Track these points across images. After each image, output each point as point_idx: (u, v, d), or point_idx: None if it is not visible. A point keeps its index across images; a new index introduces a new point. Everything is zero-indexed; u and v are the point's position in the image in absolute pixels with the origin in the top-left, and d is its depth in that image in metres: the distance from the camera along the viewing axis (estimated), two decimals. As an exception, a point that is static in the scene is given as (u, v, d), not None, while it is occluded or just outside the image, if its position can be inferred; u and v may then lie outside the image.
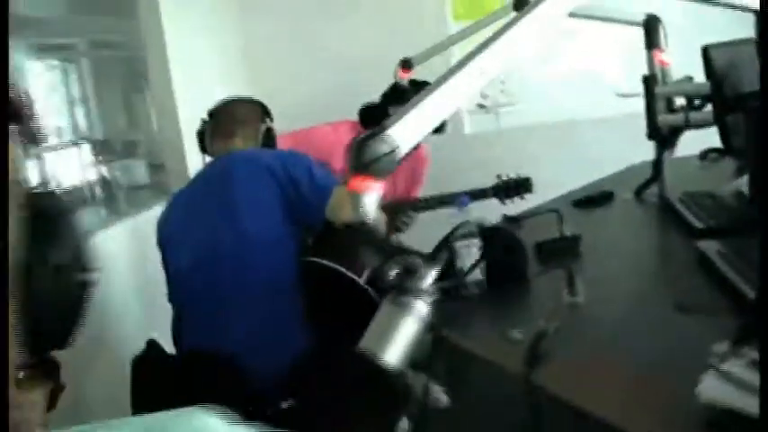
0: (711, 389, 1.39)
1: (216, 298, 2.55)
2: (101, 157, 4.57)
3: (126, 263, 3.37)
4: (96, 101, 4.75)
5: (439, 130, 1.61)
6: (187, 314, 2.62)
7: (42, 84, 4.50)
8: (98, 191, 4.45)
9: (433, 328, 1.12)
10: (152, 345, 2.53)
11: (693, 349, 1.49)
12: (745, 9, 1.57)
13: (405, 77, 3.01)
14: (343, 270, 2.57)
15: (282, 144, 3.15)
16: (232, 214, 2.56)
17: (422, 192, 3.57)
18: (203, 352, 2.49)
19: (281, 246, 2.55)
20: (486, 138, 4.85)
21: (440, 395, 1.91)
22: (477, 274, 2.27)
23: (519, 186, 3.20)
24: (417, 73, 3.05)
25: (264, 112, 2.84)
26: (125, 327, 3.23)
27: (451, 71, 1.22)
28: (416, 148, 3.33)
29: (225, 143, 2.76)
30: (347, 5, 4.62)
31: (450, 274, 2.30)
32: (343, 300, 2.60)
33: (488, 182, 3.21)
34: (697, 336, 1.67)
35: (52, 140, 4.21)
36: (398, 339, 1.09)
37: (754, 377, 1.34)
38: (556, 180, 3.24)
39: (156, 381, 2.50)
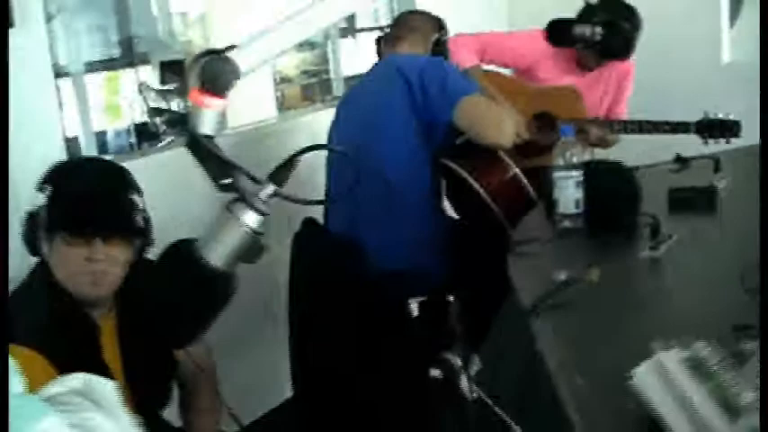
0: (643, 376, 1.30)
1: (348, 190, 2.69)
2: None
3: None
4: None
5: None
6: (331, 194, 2.80)
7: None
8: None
9: (258, 239, 1.19)
10: (309, 222, 2.75)
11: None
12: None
13: (594, -2, 2.86)
14: (470, 179, 2.59)
15: (484, 45, 3.16)
16: (366, 114, 2.72)
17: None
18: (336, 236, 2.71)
19: (408, 143, 2.64)
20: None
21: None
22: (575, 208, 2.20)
23: (724, 129, 2.94)
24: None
25: (439, 25, 2.90)
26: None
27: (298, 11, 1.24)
28: (626, 59, 3.21)
29: (391, 48, 2.88)
30: None
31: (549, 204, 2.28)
32: (464, 206, 2.65)
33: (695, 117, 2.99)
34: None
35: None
36: (222, 242, 1.17)
37: (685, 381, 1.23)
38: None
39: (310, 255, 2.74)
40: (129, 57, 6.07)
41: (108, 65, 6.07)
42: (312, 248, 2.70)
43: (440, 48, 2.83)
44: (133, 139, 6.37)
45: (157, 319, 1.29)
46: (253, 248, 1.20)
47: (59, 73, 5.76)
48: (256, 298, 2.83)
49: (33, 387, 1.59)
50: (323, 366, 2.69)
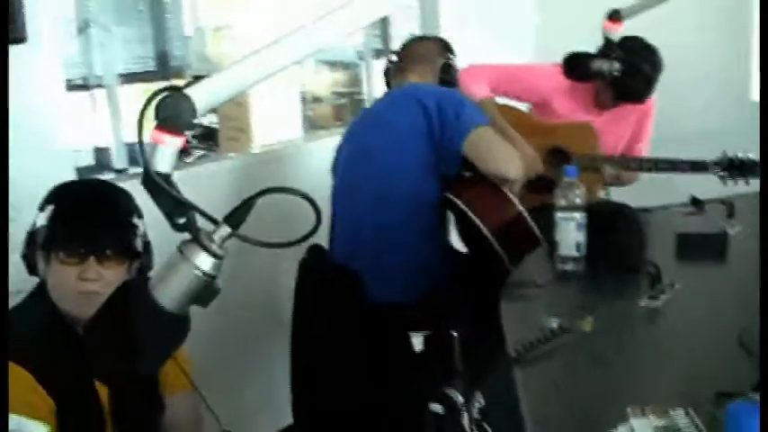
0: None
1: (355, 213, 2.69)
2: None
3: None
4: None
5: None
6: (335, 222, 2.78)
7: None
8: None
9: (212, 282, 1.14)
10: (313, 249, 2.72)
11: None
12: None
13: (612, 30, 2.76)
14: (470, 214, 2.54)
15: (498, 77, 3.11)
16: (378, 139, 2.68)
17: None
18: (336, 262, 2.69)
19: (418, 171, 2.60)
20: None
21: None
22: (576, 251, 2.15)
23: (744, 168, 2.85)
24: (627, 29, 2.79)
25: (445, 48, 2.85)
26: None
27: (265, 47, 1.20)
28: (644, 101, 3.13)
29: (401, 79, 2.85)
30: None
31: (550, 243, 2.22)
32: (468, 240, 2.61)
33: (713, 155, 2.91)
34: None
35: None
36: (171, 282, 1.13)
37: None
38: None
39: (312, 283, 2.71)
40: (163, 70, 6.11)
41: (143, 77, 6.10)
42: (314, 278, 2.68)
43: (448, 72, 2.79)
44: (164, 152, 6.43)
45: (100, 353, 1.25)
46: (205, 292, 1.16)
47: (93, 84, 5.85)
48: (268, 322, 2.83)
49: (14, 404, 1.61)
50: (322, 397, 2.66)
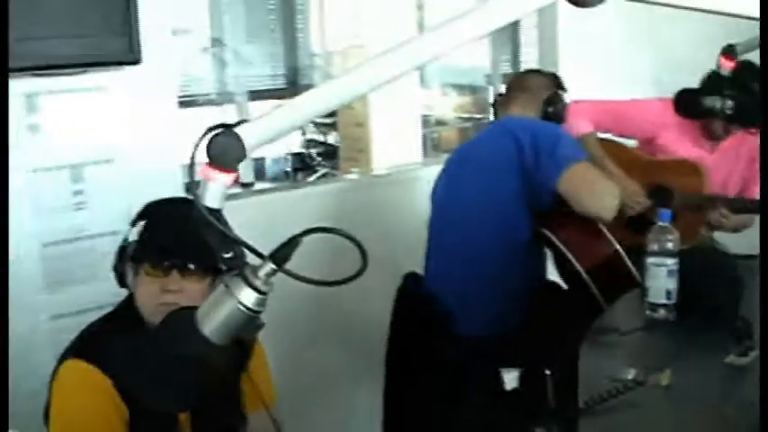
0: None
1: (447, 244, 2.69)
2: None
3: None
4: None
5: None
6: (430, 251, 2.79)
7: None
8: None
9: (255, 316, 1.16)
10: (409, 277, 2.73)
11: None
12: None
13: (727, 66, 2.63)
14: (568, 254, 2.47)
15: (601, 113, 3.04)
16: (470, 171, 2.67)
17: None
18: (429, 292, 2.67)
19: (509, 204, 2.57)
20: None
21: None
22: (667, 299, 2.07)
23: None
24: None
25: (554, 82, 2.80)
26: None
27: (321, 89, 1.20)
28: (758, 125, 2.96)
29: (506, 110, 2.82)
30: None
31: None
32: (566, 278, 2.54)
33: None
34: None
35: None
36: (216, 316, 1.16)
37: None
38: None
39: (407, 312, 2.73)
40: (293, 88, 6.27)
41: (274, 94, 6.28)
42: (408, 306, 2.68)
43: (554, 105, 2.74)
44: (289, 168, 6.61)
45: (146, 381, 1.28)
46: (248, 326, 1.18)
47: (224, 100, 6.06)
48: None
49: (86, 405, 1.69)
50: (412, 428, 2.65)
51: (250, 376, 1.95)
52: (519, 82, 2.88)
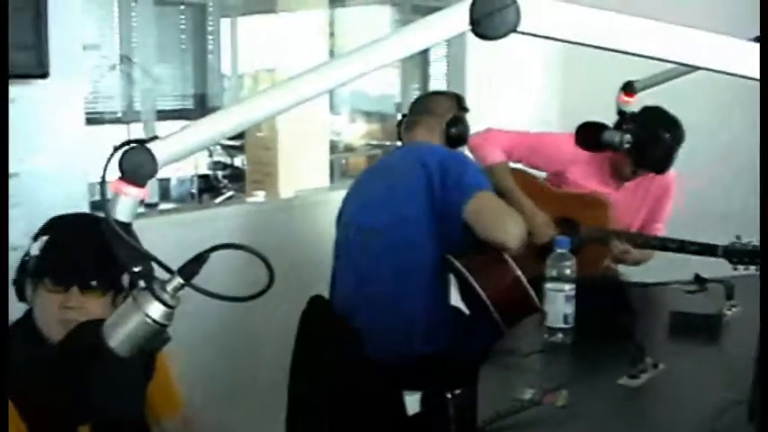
0: None
1: (355, 267, 2.72)
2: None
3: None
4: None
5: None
6: (336, 273, 2.82)
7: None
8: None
9: (162, 330, 1.17)
10: (314, 300, 2.74)
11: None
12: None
13: (627, 102, 2.75)
14: (471, 279, 2.53)
15: (514, 143, 3.12)
16: (378, 197, 2.72)
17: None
18: (337, 315, 2.70)
19: (417, 230, 2.61)
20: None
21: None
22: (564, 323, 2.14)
23: (754, 255, 2.80)
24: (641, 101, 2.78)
25: (457, 103, 2.88)
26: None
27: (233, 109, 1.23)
28: (663, 172, 3.09)
29: (410, 132, 2.88)
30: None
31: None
32: (470, 305, 2.60)
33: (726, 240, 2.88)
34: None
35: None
36: (123, 329, 1.17)
37: None
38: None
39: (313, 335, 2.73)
40: (201, 109, 6.23)
41: (182, 114, 6.24)
42: (314, 330, 2.68)
43: (456, 127, 2.81)
44: (194, 189, 6.56)
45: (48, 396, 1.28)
46: (155, 339, 1.19)
47: (132, 118, 5.98)
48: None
49: None
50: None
51: (157, 384, 1.94)
52: (422, 104, 2.94)
